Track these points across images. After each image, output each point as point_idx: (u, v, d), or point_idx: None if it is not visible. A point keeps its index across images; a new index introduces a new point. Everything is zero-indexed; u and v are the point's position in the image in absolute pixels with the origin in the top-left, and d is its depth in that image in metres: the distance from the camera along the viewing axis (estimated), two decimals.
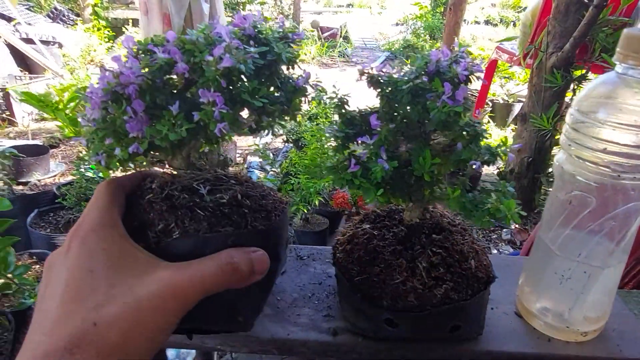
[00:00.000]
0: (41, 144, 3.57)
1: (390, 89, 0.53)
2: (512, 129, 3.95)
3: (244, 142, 4.11)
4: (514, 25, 12.29)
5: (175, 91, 0.47)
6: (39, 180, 2.90)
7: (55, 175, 3.04)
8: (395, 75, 0.53)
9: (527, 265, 0.65)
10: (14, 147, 2.64)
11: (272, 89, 0.50)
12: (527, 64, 2.55)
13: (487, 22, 13.04)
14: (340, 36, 10.02)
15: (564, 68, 2.30)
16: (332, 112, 3.18)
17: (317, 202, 2.11)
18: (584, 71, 2.38)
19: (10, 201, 1.25)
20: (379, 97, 0.55)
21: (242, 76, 0.45)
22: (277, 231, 0.51)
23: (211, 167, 0.54)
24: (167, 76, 0.45)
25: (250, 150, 3.70)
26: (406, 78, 0.51)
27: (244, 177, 0.54)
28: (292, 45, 0.50)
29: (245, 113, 0.49)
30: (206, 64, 0.42)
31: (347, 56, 9.54)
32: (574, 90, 2.38)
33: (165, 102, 0.43)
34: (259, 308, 0.53)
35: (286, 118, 0.52)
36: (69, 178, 2.90)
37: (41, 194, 2.52)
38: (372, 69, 0.54)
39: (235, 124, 0.44)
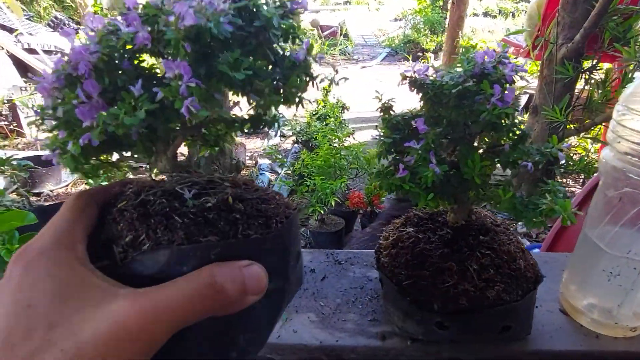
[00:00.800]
0: None
1: (434, 92, 0.52)
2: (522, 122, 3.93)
3: (252, 144, 4.12)
4: (513, 16, 12.24)
5: (143, 73, 0.38)
6: (51, 191, 2.91)
7: (67, 185, 3.05)
8: (438, 78, 0.53)
9: (571, 262, 0.64)
10: (25, 158, 2.65)
11: (262, 62, 0.39)
12: (537, 55, 2.54)
13: (485, 14, 12.99)
14: (340, 34, 10.01)
15: (574, 59, 2.29)
16: (340, 112, 3.18)
17: (333, 203, 2.11)
18: (593, 61, 2.36)
19: (35, 212, 1.25)
20: (422, 101, 0.55)
21: (223, 47, 0.35)
22: (279, 241, 0.39)
23: (222, 172, 0.47)
24: (138, 55, 0.37)
25: (260, 153, 3.71)
26: (453, 82, 0.51)
27: (245, 179, 0.45)
28: (291, 17, 0.41)
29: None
30: (166, 24, 0.34)
31: (349, 54, 9.53)
32: (585, 81, 2.36)
33: (128, 83, 0.35)
34: (262, 339, 0.40)
35: (294, 124, 0.42)
36: (82, 187, 2.92)
37: (58, 205, 2.53)
38: (414, 72, 0.54)
39: (209, 101, 0.35)
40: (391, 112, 0.56)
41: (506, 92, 0.49)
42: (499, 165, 0.54)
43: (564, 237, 1.32)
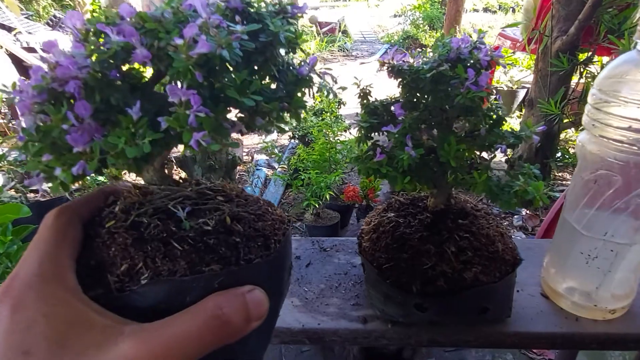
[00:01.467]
0: None
1: (411, 77, 0.53)
2: (517, 116, 3.94)
3: (250, 140, 4.13)
4: (513, 11, 12.21)
5: (138, 85, 0.35)
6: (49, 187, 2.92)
7: None
8: (415, 64, 0.54)
9: (551, 246, 0.65)
10: None
11: (267, 79, 0.38)
12: (532, 49, 2.54)
13: (485, 10, 12.97)
14: (339, 30, 10.00)
15: (569, 51, 2.29)
16: (337, 107, 3.19)
17: (327, 197, 2.12)
18: (589, 54, 2.36)
19: (30, 206, 1.26)
20: (400, 87, 0.55)
21: (227, 64, 0.34)
22: (278, 262, 0.39)
23: (192, 180, 0.43)
24: (127, 66, 0.34)
25: (257, 148, 3.72)
26: (428, 66, 0.51)
27: (234, 189, 0.44)
28: (291, 22, 0.39)
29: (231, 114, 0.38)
30: (174, 49, 0.31)
31: (347, 50, 9.52)
32: (580, 74, 2.37)
33: (123, 102, 0.32)
34: (259, 356, 0.40)
35: (287, 118, 0.39)
36: (76, 186, 2.92)
37: (55, 200, 2.54)
38: (392, 59, 0.54)
39: (219, 131, 0.32)
40: (369, 98, 0.56)
41: (480, 76, 0.50)
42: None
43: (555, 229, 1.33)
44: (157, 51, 0.32)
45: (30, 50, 5.63)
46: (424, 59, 0.53)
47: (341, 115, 3.04)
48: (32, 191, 2.79)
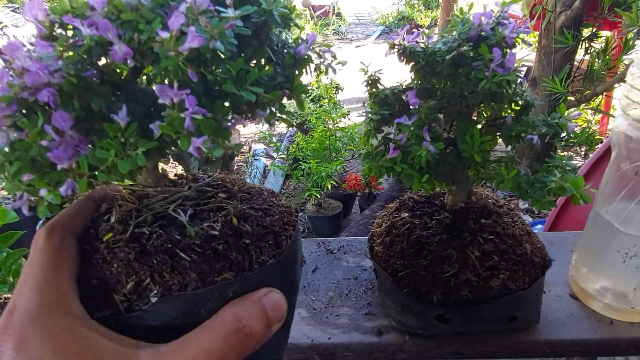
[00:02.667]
0: None
1: (427, 60, 0.47)
2: None
3: (247, 130, 4.05)
4: None
5: (119, 83, 0.31)
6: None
7: None
8: (430, 45, 0.47)
9: (581, 243, 0.59)
10: None
11: (263, 65, 0.34)
12: (534, 25, 2.45)
13: None
14: (333, 13, 9.82)
15: (574, 27, 2.21)
16: (335, 92, 3.11)
17: (329, 186, 2.06)
18: (593, 29, 2.28)
19: (17, 211, 1.20)
20: (413, 71, 0.49)
21: (219, 53, 0.30)
22: (290, 258, 0.37)
23: (189, 176, 0.40)
24: (104, 61, 0.30)
25: (254, 138, 3.64)
26: (446, 47, 0.45)
27: (235, 182, 0.41)
28: None
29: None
30: (160, 45, 0.27)
31: (342, 33, 9.36)
32: (585, 49, 2.29)
33: (106, 107, 0.28)
34: (280, 354, 0.39)
35: (289, 107, 0.36)
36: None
37: None
38: (403, 39, 0.48)
39: (220, 133, 0.28)
40: (379, 86, 0.50)
41: (507, 56, 0.44)
42: (500, 140, 0.49)
43: (568, 213, 1.28)
44: (139, 45, 0.28)
45: None
46: (442, 38, 0.46)
47: (339, 101, 2.96)
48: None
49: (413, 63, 0.48)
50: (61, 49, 0.27)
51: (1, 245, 1.04)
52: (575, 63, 2.46)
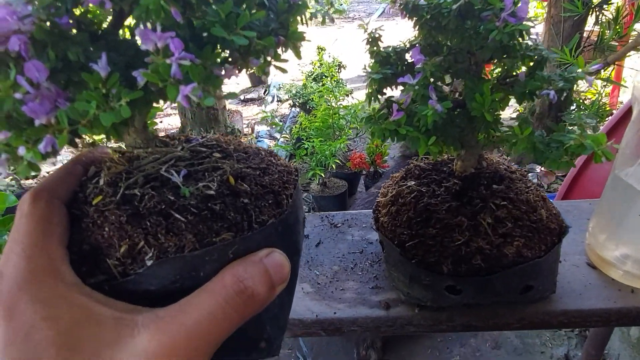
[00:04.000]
0: None
1: (431, 14, 0.43)
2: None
3: (249, 111, 4.01)
4: None
5: (98, 34, 0.29)
6: (47, 172, 2.85)
7: None
8: None
9: (599, 209, 0.56)
10: None
11: (255, 10, 0.30)
12: None
13: None
14: None
15: None
16: (337, 70, 3.05)
17: (333, 165, 2.03)
18: None
19: (20, 196, 1.19)
20: (416, 27, 0.45)
21: None
22: (292, 218, 0.35)
23: (181, 137, 0.38)
24: (80, 9, 0.28)
25: (257, 120, 3.61)
26: None
27: (230, 142, 0.38)
28: None
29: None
30: None
31: (344, 12, 9.22)
32: (596, 17, 2.21)
33: (84, 56, 0.26)
34: (284, 323, 0.37)
35: (284, 56, 0.32)
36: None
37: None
38: None
39: (210, 80, 0.26)
40: (379, 44, 0.46)
41: (519, 4, 0.40)
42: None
43: (579, 186, 1.24)
44: None
45: None
46: None
47: (342, 79, 2.90)
48: (27, 177, 2.73)
49: (416, 18, 0.44)
50: None
51: (1, 230, 1.03)
52: (584, 34, 2.38)
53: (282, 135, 2.68)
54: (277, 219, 0.33)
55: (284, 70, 0.32)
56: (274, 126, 3.00)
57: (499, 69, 0.48)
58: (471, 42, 0.42)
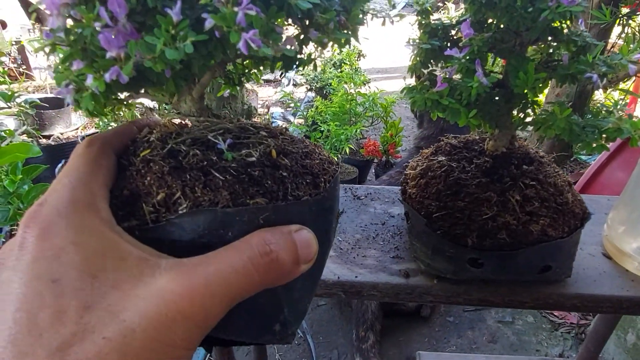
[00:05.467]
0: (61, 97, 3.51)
1: None
2: None
3: (265, 92, 4.01)
4: None
5: None
6: (61, 134, 2.88)
7: (77, 129, 3.00)
8: None
9: (620, 202, 0.58)
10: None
11: None
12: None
13: None
14: None
15: (613, 2, 2.11)
16: (356, 59, 3.05)
17: (347, 150, 2.04)
18: (633, 7, 2.18)
19: (41, 148, 1.21)
20: (467, 3, 0.46)
21: None
22: (327, 203, 0.35)
23: (234, 116, 0.39)
24: None
25: (272, 101, 3.61)
26: None
27: (278, 128, 0.39)
28: None
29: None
30: None
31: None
32: (622, 26, 2.19)
33: (162, 3, 0.27)
34: (303, 309, 0.36)
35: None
36: (92, 130, 2.88)
37: (66, 144, 2.50)
38: None
39: (271, 35, 0.28)
40: (431, 16, 0.47)
41: None
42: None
43: (597, 183, 1.25)
44: None
45: None
46: None
47: (360, 67, 2.90)
48: (44, 136, 2.75)
49: None
50: None
51: (24, 178, 1.05)
52: (608, 45, 2.36)
53: (297, 118, 2.69)
54: (312, 197, 0.33)
55: (341, 45, 0.33)
56: (288, 108, 3.00)
57: (539, 56, 0.49)
58: (520, 21, 0.43)
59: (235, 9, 0.26)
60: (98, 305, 0.24)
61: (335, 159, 0.42)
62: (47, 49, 0.28)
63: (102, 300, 0.24)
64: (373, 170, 2.42)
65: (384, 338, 1.51)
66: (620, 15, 2.21)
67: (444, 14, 0.48)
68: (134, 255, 0.26)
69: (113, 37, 0.26)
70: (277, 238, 0.29)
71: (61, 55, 0.28)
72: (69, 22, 0.28)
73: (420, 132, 1.96)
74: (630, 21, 2.21)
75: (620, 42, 2.32)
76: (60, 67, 0.29)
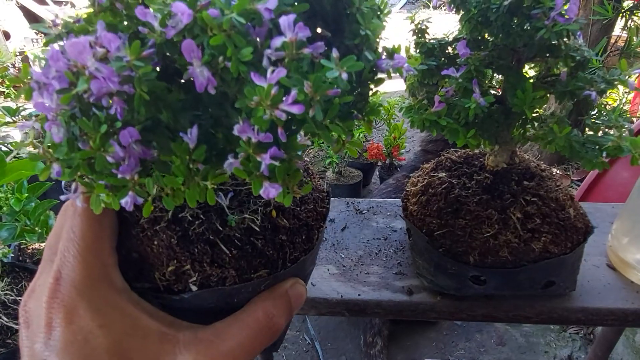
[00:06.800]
0: None
1: (479, 9, 0.44)
2: None
3: None
4: None
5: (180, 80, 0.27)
6: None
7: None
8: None
9: (623, 212, 0.57)
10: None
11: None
12: None
13: None
14: None
15: None
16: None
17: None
18: (636, 1, 2.17)
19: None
20: (463, 22, 0.46)
21: None
22: (317, 250, 0.38)
23: None
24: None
25: None
26: None
27: None
28: None
29: None
30: (255, 104, 0.23)
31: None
32: (625, 21, 2.18)
33: (173, 117, 0.25)
34: (286, 327, 0.38)
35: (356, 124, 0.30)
36: None
37: None
38: None
39: (292, 176, 0.26)
40: (426, 35, 0.47)
41: (569, 5, 0.41)
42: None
43: (596, 191, 1.24)
44: (221, 71, 0.24)
45: (42, 2, 5.49)
46: None
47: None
48: None
49: (463, 12, 0.45)
50: (135, 51, 0.23)
51: (30, 196, 1.06)
52: (612, 39, 2.35)
53: None
54: (306, 254, 0.35)
55: (354, 153, 0.32)
56: None
57: (538, 68, 0.49)
58: (516, 39, 0.43)
59: (259, 158, 0.24)
60: None
61: (326, 189, 0.43)
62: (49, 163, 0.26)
63: None
64: (377, 173, 2.42)
65: (392, 343, 1.51)
66: (622, 10, 2.19)
67: (443, 8, 0.47)
68: (154, 331, 0.29)
69: (125, 164, 0.25)
70: (279, 309, 0.32)
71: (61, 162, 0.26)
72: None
73: (427, 135, 1.95)
74: (633, 15, 2.20)
75: (625, 34, 2.30)
76: (63, 168, 0.26)
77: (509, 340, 1.53)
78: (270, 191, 0.25)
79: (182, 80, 0.26)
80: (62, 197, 0.29)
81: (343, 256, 0.61)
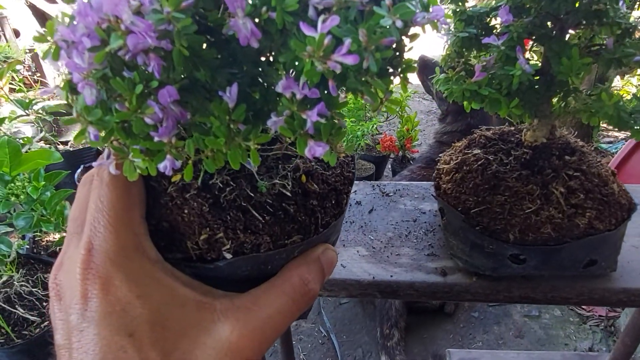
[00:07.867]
0: None
1: None
2: None
3: None
4: None
5: (221, 37, 0.25)
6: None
7: None
8: None
9: None
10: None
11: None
12: None
13: None
14: None
15: None
16: None
17: (363, 145, 2.02)
18: None
19: (62, 153, 1.22)
20: None
21: None
22: (344, 212, 0.37)
23: None
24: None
25: None
26: None
27: None
28: None
29: None
30: (307, 55, 0.21)
31: None
32: None
33: (211, 75, 0.24)
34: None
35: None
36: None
37: (84, 150, 2.51)
38: None
39: (336, 135, 0.25)
40: (466, 3, 0.46)
41: None
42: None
43: (623, 173, 1.22)
44: (265, 24, 0.23)
45: (52, 0, 5.51)
46: None
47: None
48: (61, 142, 2.77)
49: None
50: (172, 7, 0.21)
51: (46, 185, 1.06)
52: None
53: None
54: (336, 219, 0.35)
55: (392, 111, 0.30)
56: None
57: (577, 40, 0.47)
58: (560, 5, 0.41)
59: (304, 115, 0.23)
60: (174, 354, 0.26)
61: (351, 153, 0.40)
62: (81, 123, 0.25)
63: (176, 349, 0.26)
64: (389, 166, 2.40)
65: (408, 335, 1.49)
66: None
67: None
68: (191, 300, 0.28)
69: (164, 128, 0.24)
70: (313, 271, 0.32)
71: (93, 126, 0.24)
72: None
73: (442, 127, 1.93)
74: None
75: None
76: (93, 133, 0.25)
77: (528, 333, 1.50)
78: (316, 150, 0.24)
79: (212, 39, 0.24)
80: (94, 164, 0.28)
81: (372, 238, 0.59)
